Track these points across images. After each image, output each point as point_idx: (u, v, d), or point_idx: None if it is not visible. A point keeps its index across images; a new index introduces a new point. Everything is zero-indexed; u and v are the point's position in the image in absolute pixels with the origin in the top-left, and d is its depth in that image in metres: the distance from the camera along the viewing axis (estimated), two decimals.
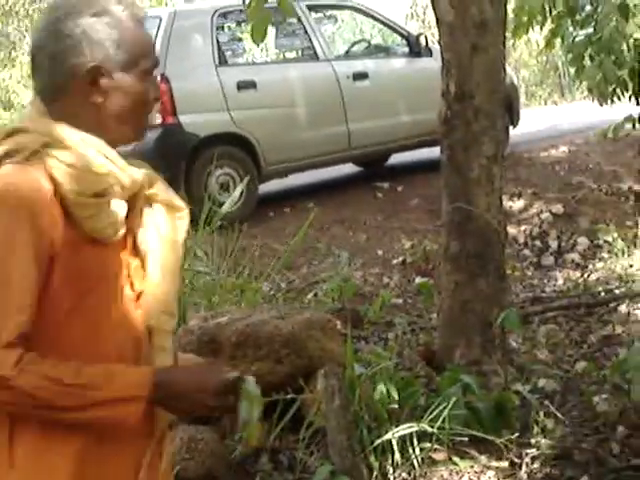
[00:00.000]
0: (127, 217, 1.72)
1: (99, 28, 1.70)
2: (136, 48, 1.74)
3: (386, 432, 3.65)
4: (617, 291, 5.82)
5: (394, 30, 9.26)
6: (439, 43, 4.66)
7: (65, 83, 1.70)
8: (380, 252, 7.02)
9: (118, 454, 1.73)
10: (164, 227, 1.78)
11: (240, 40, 8.70)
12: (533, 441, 3.78)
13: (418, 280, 6.28)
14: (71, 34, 1.69)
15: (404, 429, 3.65)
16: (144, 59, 1.76)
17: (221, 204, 6.13)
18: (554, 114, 13.52)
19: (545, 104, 21.36)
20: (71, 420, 1.64)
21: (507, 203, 7.38)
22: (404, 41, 8.92)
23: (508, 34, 7.10)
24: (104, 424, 1.68)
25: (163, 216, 1.79)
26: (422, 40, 8.69)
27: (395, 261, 6.81)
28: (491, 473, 3.61)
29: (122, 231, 1.70)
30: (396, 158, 9.25)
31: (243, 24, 8.30)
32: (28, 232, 1.59)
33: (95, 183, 1.66)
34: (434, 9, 4.61)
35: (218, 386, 1.72)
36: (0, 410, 1.64)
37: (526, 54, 22.08)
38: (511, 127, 8.99)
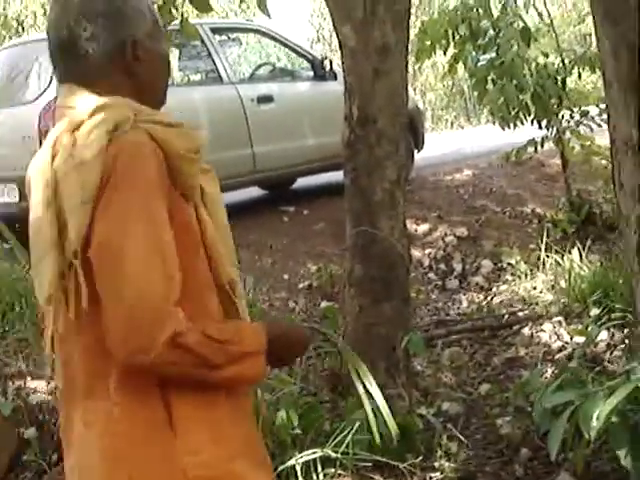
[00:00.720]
0: None
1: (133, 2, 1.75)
2: (154, 13, 1.79)
3: (290, 458, 3.60)
4: (520, 314, 5.88)
5: (299, 54, 9.27)
6: (342, 67, 4.67)
7: (109, 61, 1.73)
8: (286, 276, 6.97)
9: (247, 411, 1.82)
10: (213, 184, 1.84)
11: None
12: (437, 465, 3.78)
13: (324, 304, 6.25)
14: (109, 10, 1.72)
15: (308, 455, 3.61)
16: (159, 22, 1.81)
17: None
18: (460, 138, 13.71)
19: (452, 128, 21.69)
20: (217, 379, 1.67)
21: (412, 226, 7.42)
22: (309, 65, 8.93)
23: (412, 58, 7.19)
24: (238, 381, 1.73)
25: (206, 175, 1.82)
26: (327, 64, 8.71)
27: (301, 285, 6.78)
28: None
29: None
30: (302, 181, 9.24)
31: None
32: (159, 186, 1.62)
33: (196, 140, 1.73)
34: (337, 33, 4.62)
35: (309, 339, 1.91)
36: (151, 383, 1.64)
37: (432, 78, 22.40)
38: (416, 151, 9.06)
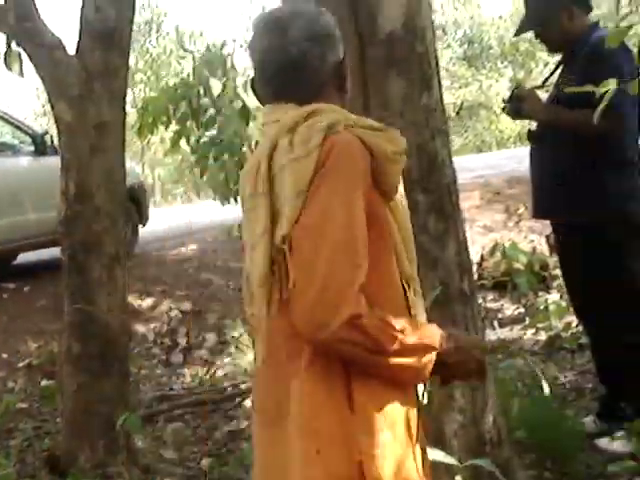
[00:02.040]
0: None
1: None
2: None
3: None
4: (243, 386, 5.96)
5: (19, 128, 9.07)
6: (59, 143, 4.63)
7: (329, 79, 1.92)
8: (5, 355, 6.72)
9: (415, 405, 1.93)
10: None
11: None
12: None
13: (44, 383, 6.08)
14: (327, 33, 1.93)
15: None
16: None
17: None
18: (188, 212, 13.81)
19: (181, 202, 21.78)
20: (387, 365, 1.79)
21: (136, 302, 7.38)
22: (30, 139, 8.75)
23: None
24: (407, 372, 1.83)
25: None
26: (47, 138, 8.57)
27: (21, 364, 6.55)
28: None
29: None
30: (23, 257, 8.97)
31: None
32: (362, 182, 1.78)
33: (400, 143, 1.90)
34: (52, 108, 4.58)
35: (484, 350, 2.02)
36: (335, 360, 1.78)
37: (161, 152, 22.47)
38: (141, 226, 9.04)
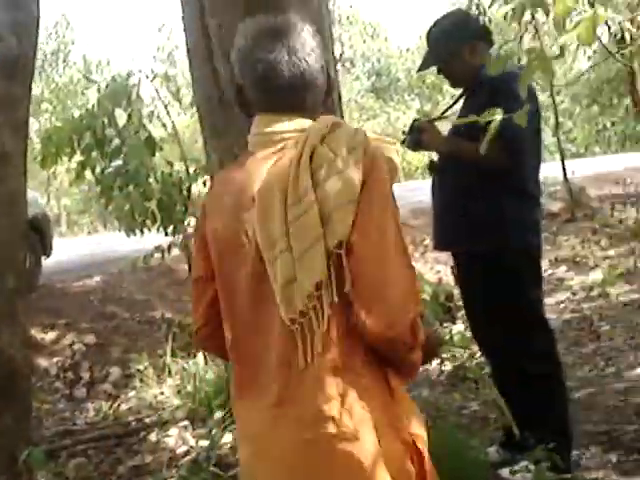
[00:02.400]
0: None
1: None
2: None
3: None
4: (147, 420, 5.88)
5: None
6: None
7: (325, 91, 2.09)
8: None
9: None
10: None
11: None
12: None
13: None
14: (327, 48, 2.12)
15: None
16: None
17: None
18: (94, 243, 13.64)
19: (87, 233, 21.51)
20: (412, 363, 1.98)
21: (38, 335, 7.23)
22: None
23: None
24: (415, 367, 2.00)
25: None
26: None
27: None
28: None
29: None
30: None
31: None
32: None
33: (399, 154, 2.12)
34: None
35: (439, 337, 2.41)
36: (377, 360, 1.94)
37: (67, 183, 22.18)
38: (44, 257, 8.88)
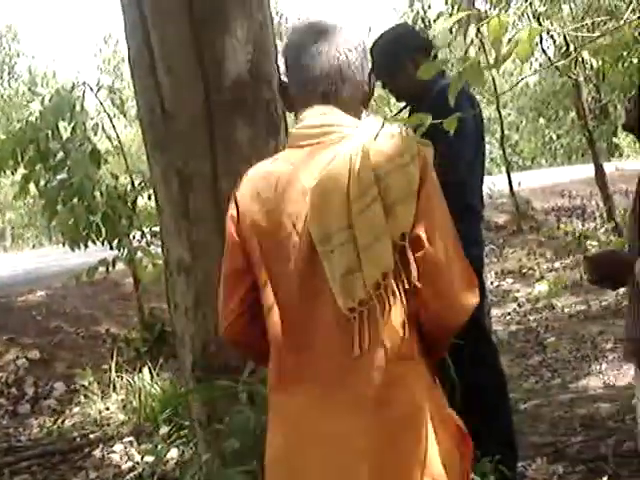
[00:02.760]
0: None
1: None
2: None
3: None
4: (92, 436, 5.80)
5: None
6: None
7: (361, 89, 2.14)
8: None
9: None
10: None
11: None
12: None
13: None
14: (365, 47, 2.18)
15: None
16: None
17: None
18: (39, 257, 13.46)
19: (32, 247, 21.26)
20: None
21: None
22: None
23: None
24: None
25: None
26: None
27: None
28: None
29: None
30: None
31: None
32: None
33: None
34: None
35: None
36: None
37: (12, 196, 21.88)
38: None
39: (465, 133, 3.81)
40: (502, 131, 12.90)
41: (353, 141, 2.00)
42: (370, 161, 1.95)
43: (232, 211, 2.15)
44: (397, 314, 1.97)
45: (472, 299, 2.03)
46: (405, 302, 1.96)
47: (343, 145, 2.00)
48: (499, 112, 13.01)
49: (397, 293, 1.96)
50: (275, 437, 2.09)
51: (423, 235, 1.96)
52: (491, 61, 2.10)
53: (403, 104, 4.47)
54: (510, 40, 1.89)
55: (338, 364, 1.97)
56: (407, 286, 1.95)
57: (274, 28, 3.31)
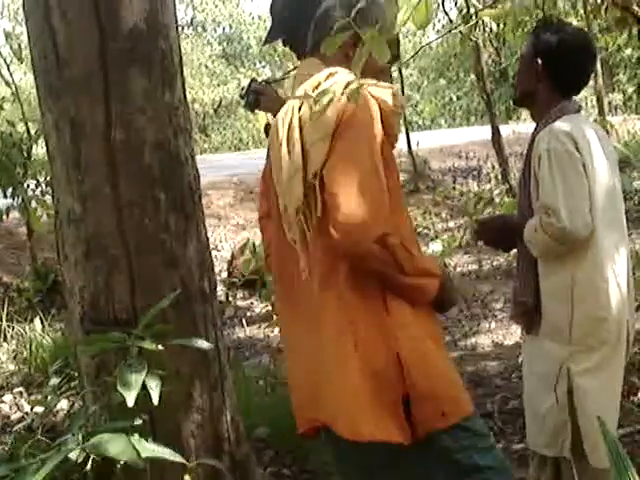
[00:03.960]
0: None
1: None
2: None
3: None
4: None
5: None
6: None
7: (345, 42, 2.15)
8: None
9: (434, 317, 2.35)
10: None
11: None
12: None
13: None
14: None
15: None
16: None
17: None
18: None
19: None
20: (403, 283, 2.20)
21: None
22: None
23: None
24: (419, 292, 2.24)
25: None
26: None
27: None
28: None
29: None
30: None
31: None
32: (378, 130, 2.18)
33: (400, 98, 2.28)
34: None
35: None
36: (369, 275, 2.19)
37: None
38: None
39: None
40: (402, 90, 12.99)
41: (300, 89, 2.28)
42: (302, 109, 2.21)
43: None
44: (317, 248, 2.21)
45: (369, 230, 2.10)
46: (323, 235, 2.15)
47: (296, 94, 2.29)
48: (400, 72, 13.09)
49: (309, 227, 2.19)
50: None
51: (326, 172, 2.14)
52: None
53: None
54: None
55: (298, 290, 2.32)
56: (315, 219, 2.17)
57: None
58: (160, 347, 2.51)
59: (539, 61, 3.07)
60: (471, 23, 8.16)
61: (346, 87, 2.09)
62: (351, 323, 2.17)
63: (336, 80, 2.20)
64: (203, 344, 2.74)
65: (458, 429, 2.22)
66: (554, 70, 3.06)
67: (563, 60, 3.05)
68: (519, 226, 3.05)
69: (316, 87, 2.21)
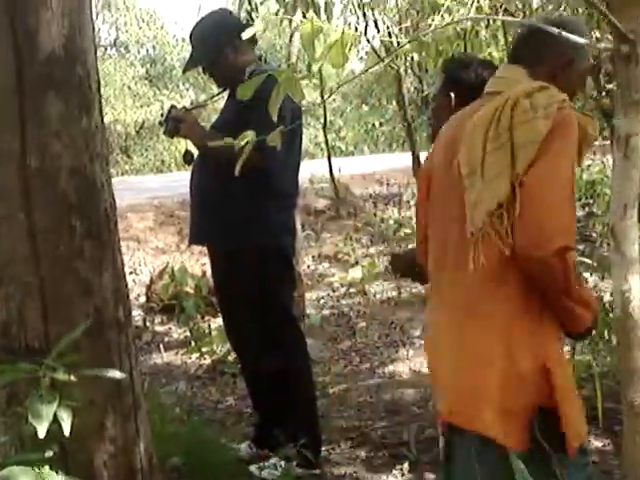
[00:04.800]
0: None
1: None
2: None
3: None
4: None
5: None
6: None
7: (554, 63, 2.54)
8: None
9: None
10: None
11: None
12: None
13: None
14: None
15: None
16: None
17: None
18: None
19: None
20: (562, 304, 2.36)
21: None
22: None
23: None
24: (572, 319, 2.41)
25: None
26: None
27: None
28: None
29: None
30: None
31: None
32: (575, 150, 2.37)
33: (597, 130, 2.50)
34: None
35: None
36: (533, 285, 2.33)
37: None
38: None
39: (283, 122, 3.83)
40: (325, 117, 13.05)
41: (508, 95, 2.40)
42: (512, 112, 2.35)
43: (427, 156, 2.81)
44: (499, 242, 2.35)
45: (553, 240, 2.24)
46: (510, 233, 2.31)
47: (495, 99, 2.42)
48: (322, 97, 13.13)
49: (504, 223, 2.32)
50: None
51: (529, 176, 2.29)
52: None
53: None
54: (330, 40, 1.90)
55: (455, 275, 2.46)
56: (513, 217, 2.30)
57: (93, 3, 3.23)
58: (72, 377, 2.47)
59: (451, 95, 3.13)
60: (391, 55, 8.25)
61: (562, 103, 2.33)
62: (509, 324, 2.35)
63: (552, 94, 2.36)
64: (116, 374, 2.70)
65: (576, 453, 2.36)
66: (465, 103, 3.11)
67: (474, 93, 3.10)
68: None
69: (528, 95, 2.36)
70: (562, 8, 8.64)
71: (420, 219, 2.78)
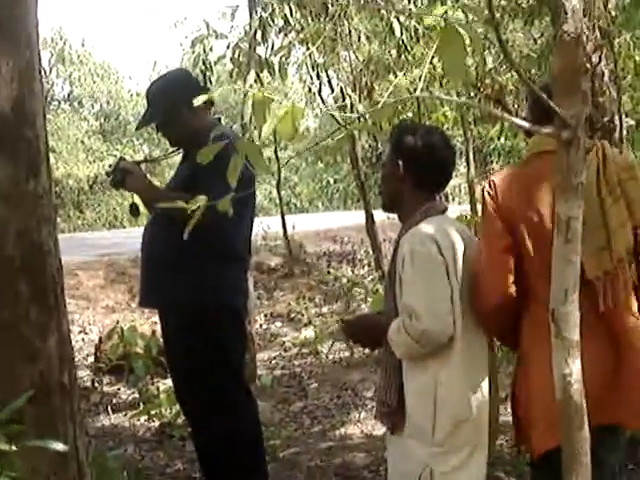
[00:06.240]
0: None
1: None
2: None
3: None
4: None
5: None
6: None
7: None
8: None
9: None
10: None
11: None
12: None
13: None
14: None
15: None
16: None
17: None
18: None
19: None
20: None
21: None
22: None
23: None
24: None
25: None
26: None
27: None
28: None
29: None
30: None
31: None
32: None
33: None
34: None
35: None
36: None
37: None
38: None
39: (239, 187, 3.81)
40: (279, 173, 13.06)
41: (599, 154, 2.81)
42: (614, 167, 2.78)
43: (489, 205, 2.93)
44: (629, 281, 2.78)
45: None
46: (635, 271, 2.78)
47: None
48: (276, 154, 13.18)
49: (632, 265, 2.77)
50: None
51: None
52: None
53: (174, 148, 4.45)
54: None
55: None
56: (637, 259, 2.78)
57: (44, 60, 3.20)
58: (14, 448, 2.42)
59: (400, 163, 3.14)
60: (347, 124, 8.31)
61: None
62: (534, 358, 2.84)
63: (625, 155, 2.87)
64: (58, 446, 2.64)
65: None
66: (414, 170, 3.13)
67: (422, 160, 3.13)
68: (384, 325, 3.07)
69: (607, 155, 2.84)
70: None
71: (506, 265, 2.90)
